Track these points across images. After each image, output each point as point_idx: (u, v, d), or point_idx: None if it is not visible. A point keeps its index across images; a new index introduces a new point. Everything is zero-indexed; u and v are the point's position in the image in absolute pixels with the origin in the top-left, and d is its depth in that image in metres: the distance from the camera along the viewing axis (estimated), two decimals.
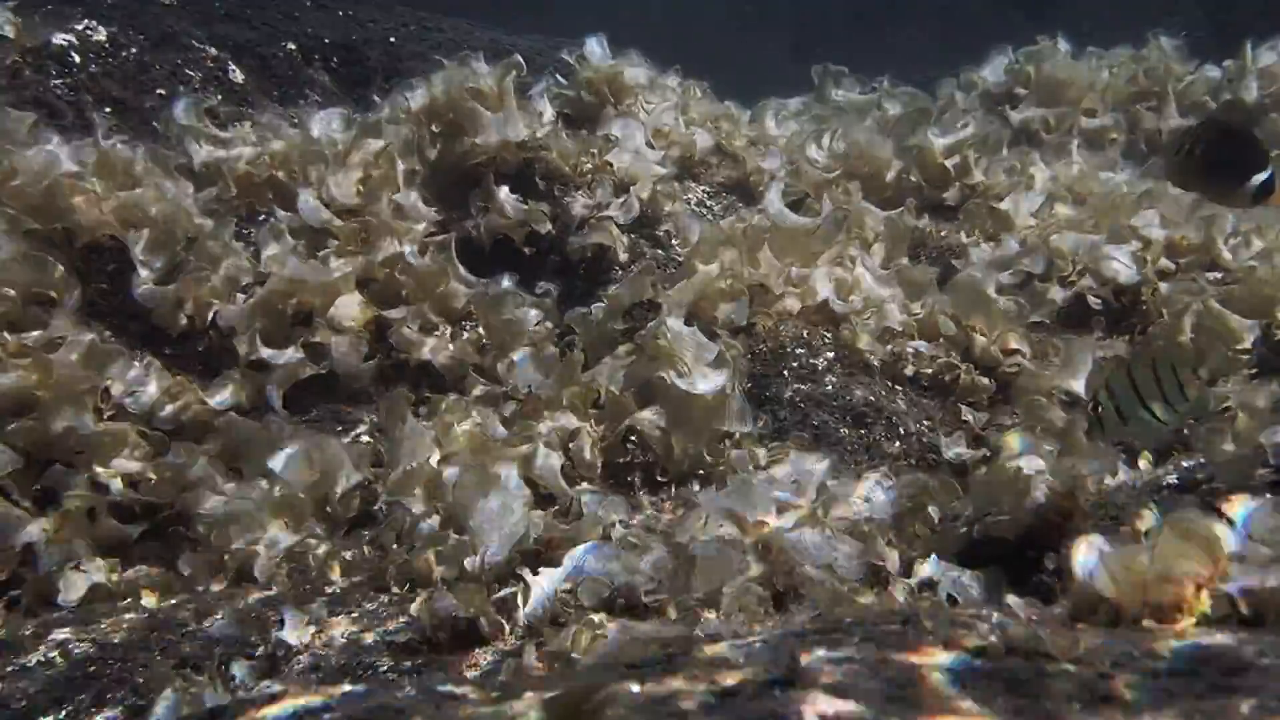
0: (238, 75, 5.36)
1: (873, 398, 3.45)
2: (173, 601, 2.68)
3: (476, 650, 2.27)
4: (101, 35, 4.96)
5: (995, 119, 4.98)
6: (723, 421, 3.21)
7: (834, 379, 3.52)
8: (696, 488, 3.11)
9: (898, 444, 3.35)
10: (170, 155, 4.01)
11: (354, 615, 2.50)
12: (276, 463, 3.04)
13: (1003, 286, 3.78)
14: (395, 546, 2.75)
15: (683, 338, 3.33)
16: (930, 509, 2.68)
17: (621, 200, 4.18)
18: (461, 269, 3.89)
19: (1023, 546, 2.40)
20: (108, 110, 4.68)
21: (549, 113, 4.40)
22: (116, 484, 3.02)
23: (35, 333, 3.18)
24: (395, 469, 2.98)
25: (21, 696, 2.25)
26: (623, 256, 4.13)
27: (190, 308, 3.54)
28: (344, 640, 2.38)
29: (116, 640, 2.43)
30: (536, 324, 3.79)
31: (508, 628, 2.32)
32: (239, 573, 2.84)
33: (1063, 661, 1.23)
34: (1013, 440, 2.65)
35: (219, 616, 2.48)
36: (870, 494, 2.81)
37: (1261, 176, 2.88)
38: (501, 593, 2.40)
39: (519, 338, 3.74)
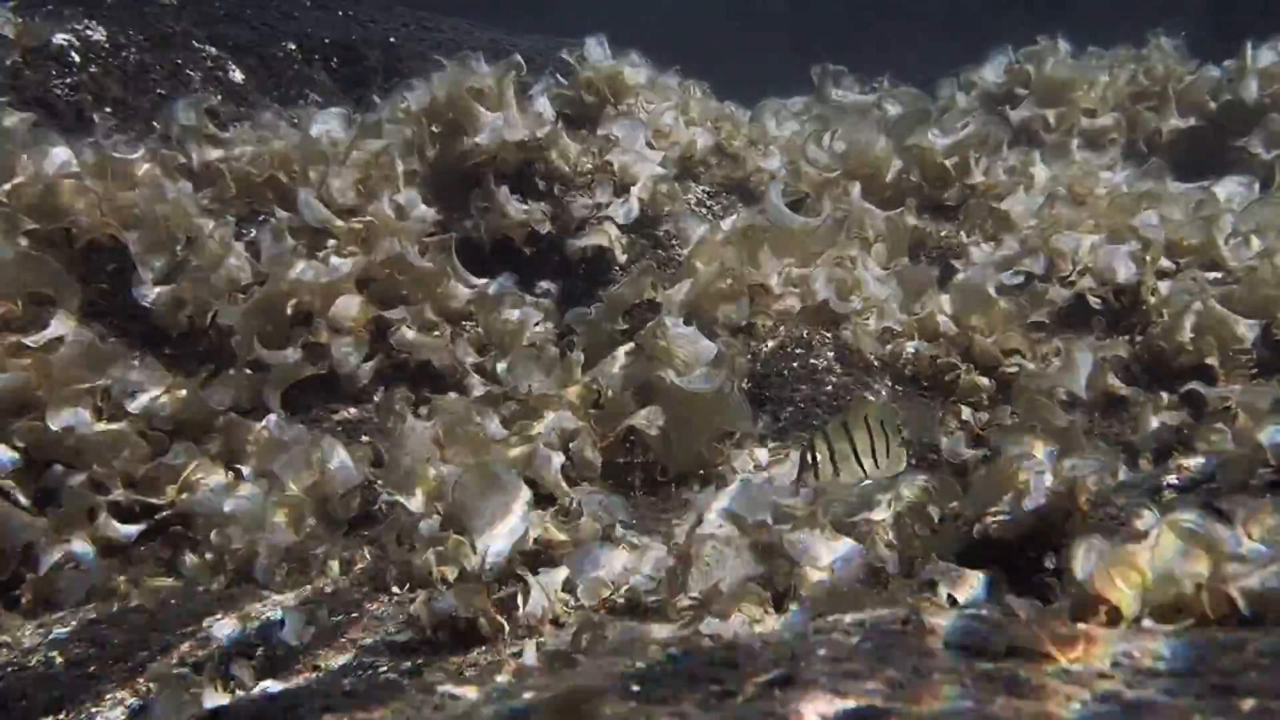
0: (238, 75, 5.36)
1: (873, 398, 3.45)
2: (173, 601, 2.68)
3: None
4: (101, 35, 4.96)
5: (995, 119, 4.97)
6: (722, 421, 3.21)
7: (834, 379, 3.52)
8: (696, 487, 3.11)
9: None
10: (170, 155, 4.01)
11: (354, 615, 2.49)
12: (277, 463, 3.04)
13: (1003, 286, 3.78)
14: (395, 546, 2.75)
15: (682, 338, 3.33)
16: (930, 509, 2.68)
17: (621, 200, 4.18)
18: (461, 269, 3.89)
19: (1023, 546, 2.40)
20: (108, 110, 4.68)
21: (549, 113, 4.40)
22: (116, 484, 3.01)
23: (35, 333, 3.18)
24: (395, 469, 2.98)
25: (21, 696, 2.25)
26: (622, 257, 4.13)
27: (190, 308, 3.54)
28: (344, 640, 2.38)
29: (116, 640, 2.43)
30: (536, 324, 3.79)
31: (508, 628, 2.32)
32: (239, 573, 2.84)
33: (1063, 661, 1.23)
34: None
35: (219, 616, 2.48)
36: (864, 492, 2.81)
37: None
38: (501, 593, 2.40)
39: (518, 338, 3.74)
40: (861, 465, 2.43)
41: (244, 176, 4.03)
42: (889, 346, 3.63)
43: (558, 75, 4.90)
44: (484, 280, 3.88)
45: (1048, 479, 2.42)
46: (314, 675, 2.26)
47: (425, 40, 6.44)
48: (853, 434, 2.42)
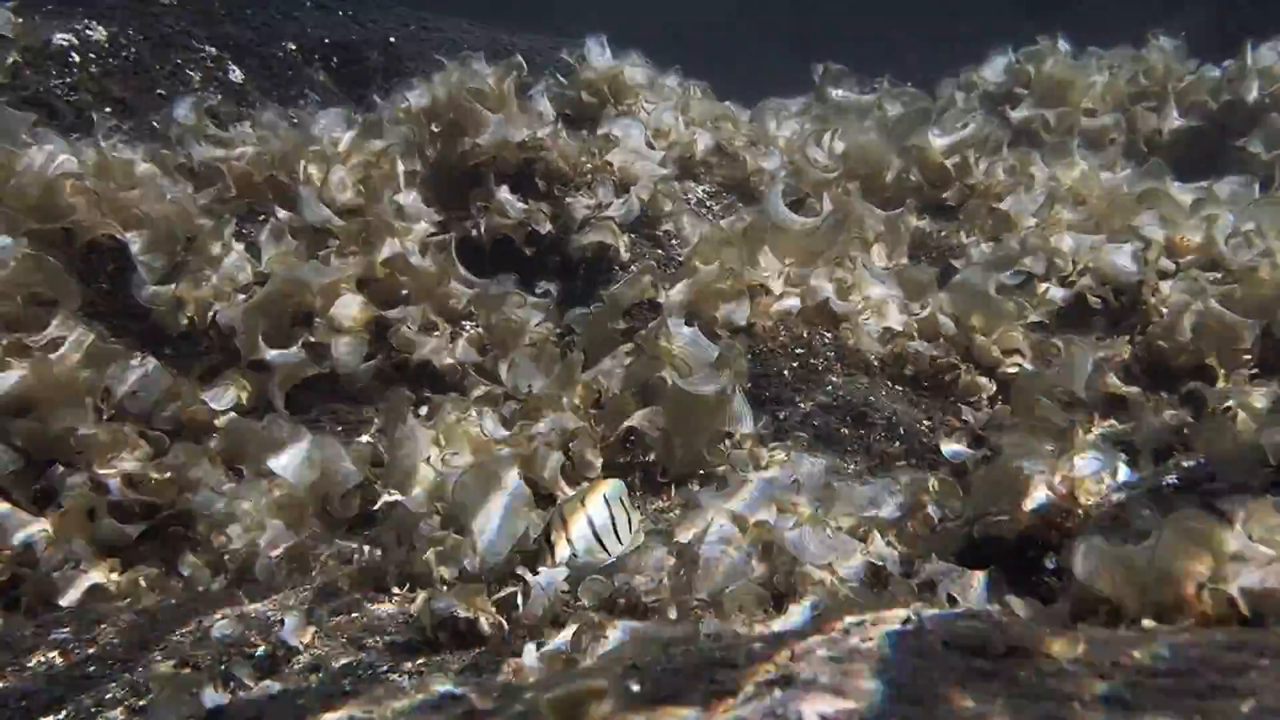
0: (238, 75, 5.36)
1: (873, 398, 3.45)
2: (173, 601, 2.68)
3: None
4: (101, 35, 4.96)
5: (995, 119, 4.97)
6: (723, 421, 3.21)
7: (834, 379, 3.52)
8: (696, 488, 3.11)
9: (898, 444, 3.35)
10: (170, 155, 4.01)
11: (354, 615, 2.49)
12: (276, 463, 3.04)
13: (1003, 286, 3.78)
14: (395, 546, 2.75)
15: (683, 338, 3.33)
16: (930, 509, 2.68)
17: (622, 200, 4.18)
18: (461, 269, 3.89)
19: (1023, 546, 2.40)
20: (108, 110, 4.68)
21: (549, 113, 4.40)
22: (116, 484, 3.01)
23: (35, 333, 3.18)
24: (395, 469, 2.98)
25: (22, 697, 2.25)
26: (625, 255, 4.13)
27: (190, 308, 3.54)
28: (344, 640, 2.38)
29: (116, 640, 2.43)
30: (537, 324, 3.79)
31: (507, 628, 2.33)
32: (239, 573, 2.84)
33: (1062, 661, 1.23)
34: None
35: (219, 616, 2.48)
36: (870, 494, 2.81)
37: None
38: (501, 593, 2.40)
39: (519, 338, 3.73)
40: (603, 544, 2.44)
41: (244, 176, 4.02)
42: (889, 346, 3.63)
43: (558, 75, 4.90)
44: (484, 280, 3.88)
45: (1048, 479, 2.42)
46: (314, 675, 2.26)
47: (425, 40, 6.44)
48: (591, 514, 2.43)
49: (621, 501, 2.52)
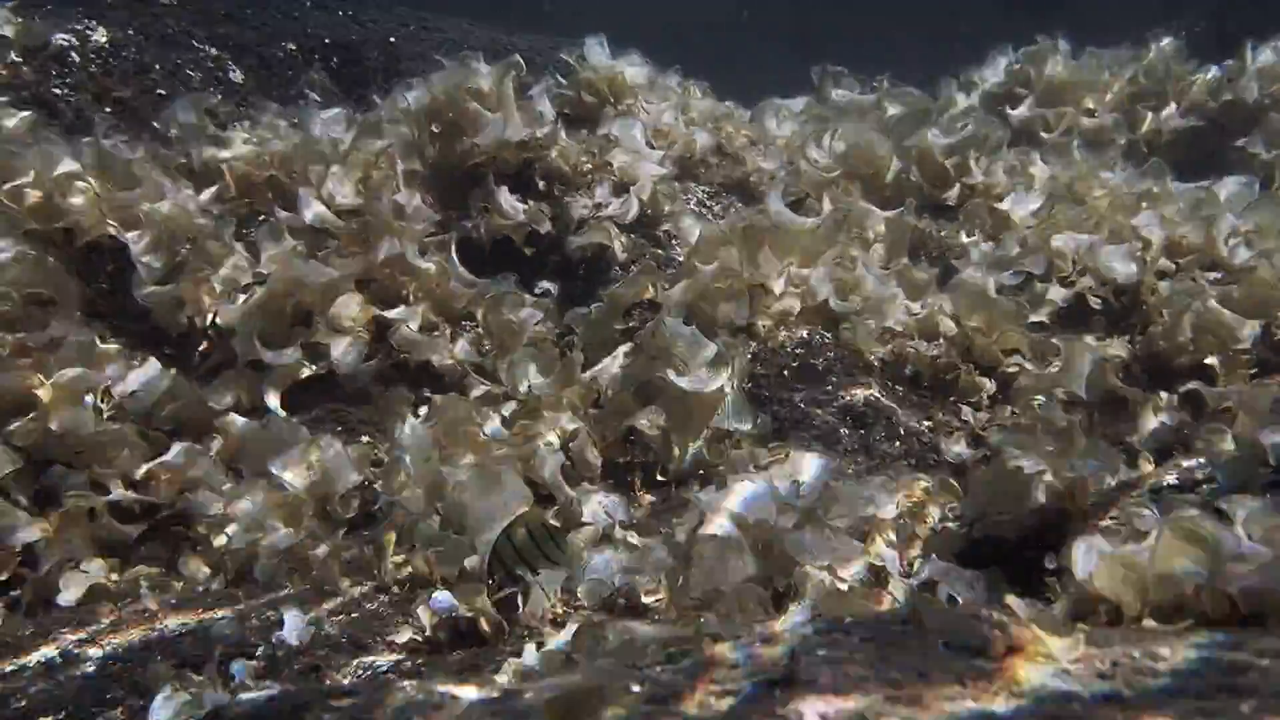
0: (238, 75, 5.36)
1: (873, 398, 3.45)
2: (172, 602, 2.68)
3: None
4: (101, 35, 4.96)
5: (995, 119, 4.98)
6: (722, 421, 3.21)
7: (834, 379, 3.52)
8: (696, 487, 3.11)
9: (898, 444, 3.34)
10: (170, 155, 4.01)
11: (354, 615, 2.49)
12: (277, 463, 3.04)
13: (1003, 286, 3.78)
14: (395, 546, 2.75)
15: (682, 337, 3.33)
16: (930, 509, 2.68)
17: (621, 200, 4.18)
18: (461, 269, 3.89)
19: (1023, 546, 2.40)
20: (108, 110, 4.68)
21: (549, 113, 4.40)
22: (116, 484, 3.01)
23: (35, 333, 3.18)
24: (395, 469, 2.98)
25: (21, 697, 2.24)
26: (622, 256, 4.13)
27: (190, 308, 3.54)
28: (344, 640, 2.38)
29: (116, 640, 2.42)
30: (536, 324, 3.79)
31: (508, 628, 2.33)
32: (239, 573, 2.83)
33: (1063, 661, 1.23)
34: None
35: (219, 616, 2.48)
36: (870, 494, 2.81)
37: None
38: (502, 593, 2.40)
39: (519, 338, 3.73)
40: (535, 571, 2.43)
41: (244, 176, 4.03)
42: (889, 346, 3.63)
43: (558, 75, 4.91)
44: (484, 280, 3.88)
45: (1048, 479, 2.42)
46: (314, 675, 2.26)
47: (425, 40, 6.45)
48: (516, 544, 2.42)
49: (545, 526, 2.53)
